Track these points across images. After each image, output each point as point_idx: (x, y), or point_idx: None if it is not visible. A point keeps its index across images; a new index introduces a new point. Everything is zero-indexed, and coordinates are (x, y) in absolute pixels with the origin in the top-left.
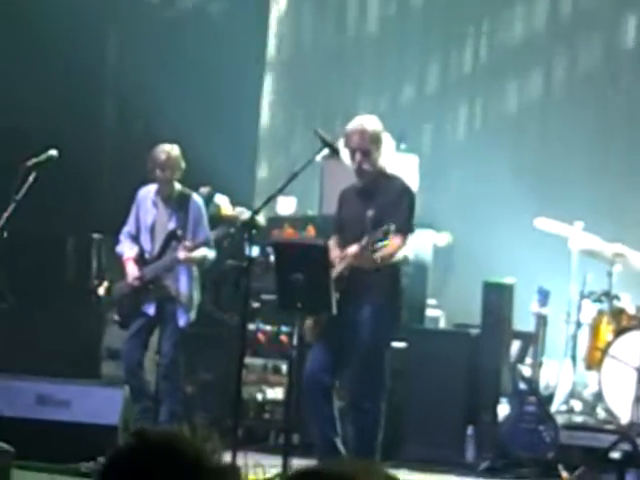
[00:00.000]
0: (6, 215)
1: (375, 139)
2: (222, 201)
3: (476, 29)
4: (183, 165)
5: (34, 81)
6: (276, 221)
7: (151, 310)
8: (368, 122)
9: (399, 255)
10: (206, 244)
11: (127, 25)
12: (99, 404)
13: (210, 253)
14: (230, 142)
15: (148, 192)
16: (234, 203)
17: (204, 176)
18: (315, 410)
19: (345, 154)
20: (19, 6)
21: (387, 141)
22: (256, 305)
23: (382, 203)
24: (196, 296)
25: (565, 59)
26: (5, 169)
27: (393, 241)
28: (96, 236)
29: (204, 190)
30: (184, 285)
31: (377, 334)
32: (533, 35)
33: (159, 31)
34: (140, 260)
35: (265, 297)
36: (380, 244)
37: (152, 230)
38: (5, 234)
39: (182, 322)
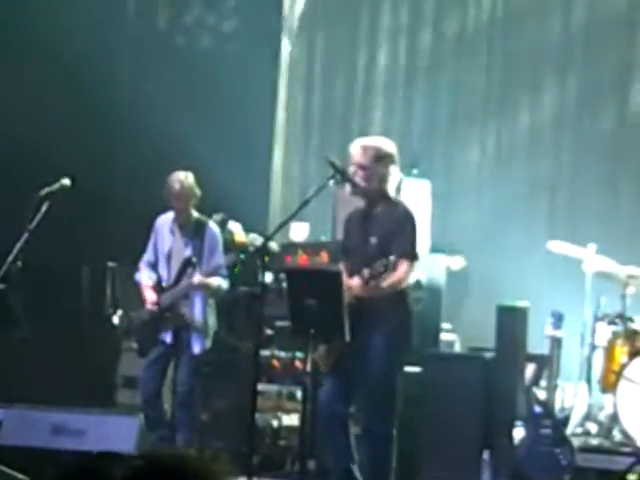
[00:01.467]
0: (20, 245)
1: (378, 157)
2: (235, 228)
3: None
4: (198, 192)
5: (48, 110)
6: (289, 247)
7: (168, 338)
8: (374, 140)
9: (408, 281)
10: (220, 273)
11: (141, 56)
12: (114, 433)
13: (224, 283)
14: (243, 169)
15: (166, 220)
16: (247, 230)
17: (217, 203)
18: (330, 440)
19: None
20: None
21: (394, 170)
22: (269, 332)
23: (385, 230)
24: (212, 323)
25: (578, 77)
26: (19, 199)
27: (400, 268)
28: (111, 264)
29: (217, 217)
30: (199, 312)
31: (388, 361)
32: (546, 52)
33: (175, 62)
34: (158, 288)
35: (279, 324)
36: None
37: (169, 258)
38: (19, 264)
39: (198, 350)
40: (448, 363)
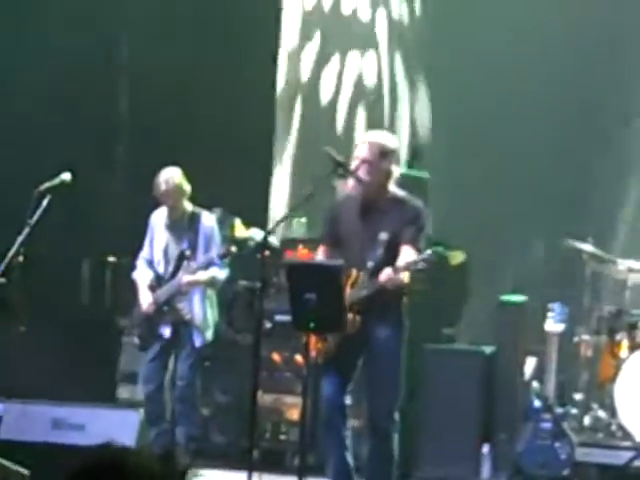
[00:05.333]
0: (21, 239)
1: (383, 153)
2: (235, 223)
3: None
4: (187, 188)
5: (47, 105)
6: (290, 242)
7: (167, 332)
8: (380, 135)
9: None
10: (215, 263)
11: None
12: (114, 427)
13: (221, 273)
14: (244, 164)
15: (161, 215)
16: (247, 224)
17: (218, 198)
18: (333, 433)
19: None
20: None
21: (397, 166)
22: (270, 326)
23: (396, 226)
24: (211, 316)
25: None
26: (19, 194)
27: (408, 255)
28: (111, 259)
29: (217, 212)
30: (198, 306)
31: (396, 353)
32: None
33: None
34: (155, 284)
35: (279, 318)
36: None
37: (165, 253)
38: (21, 258)
39: (198, 343)
40: (448, 358)
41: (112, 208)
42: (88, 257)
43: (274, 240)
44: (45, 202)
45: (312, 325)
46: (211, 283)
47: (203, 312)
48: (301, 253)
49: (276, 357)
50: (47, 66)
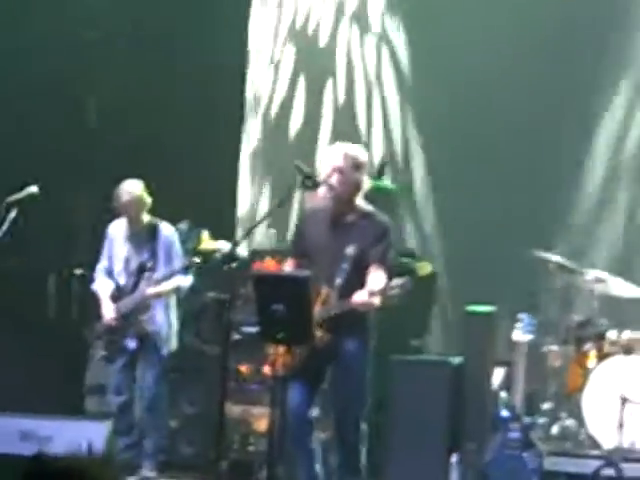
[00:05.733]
0: None
1: (356, 165)
2: (202, 234)
3: None
4: (148, 200)
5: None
6: (257, 254)
7: (132, 344)
8: (353, 147)
9: None
10: (179, 272)
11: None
12: (82, 439)
13: (185, 281)
14: (211, 176)
15: (120, 227)
16: (215, 236)
17: (185, 210)
18: (301, 445)
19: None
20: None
21: (366, 179)
22: (237, 337)
23: (364, 241)
24: (175, 324)
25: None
26: None
27: (379, 275)
28: (77, 272)
29: (184, 224)
30: (161, 316)
31: (363, 365)
32: None
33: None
34: (117, 295)
35: (246, 329)
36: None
37: (126, 264)
38: None
39: (162, 353)
40: (416, 369)
41: (79, 221)
42: (54, 270)
43: (242, 251)
44: (12, 215)
45: (280, 336)
46: (175, 292)
47: (167, 322)
48: (268, 264)
49: (243, 368)
50: None
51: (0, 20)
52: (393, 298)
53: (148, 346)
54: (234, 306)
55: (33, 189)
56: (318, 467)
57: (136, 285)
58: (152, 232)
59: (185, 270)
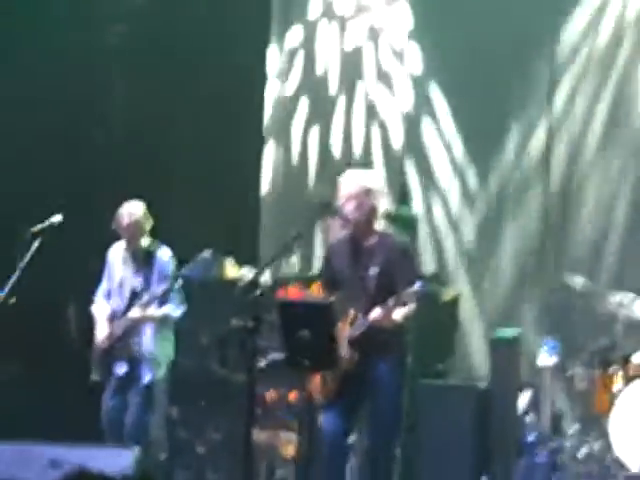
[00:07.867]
0: (13, 281)
1: (368, 190)
2: (226, 262)
3: None
4: (149, 222)
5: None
6: (281, 280)
7: (122, 369)
8: (365, 173)
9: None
10: (170, 301)
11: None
12: (111, 466)
13: (175, 311)
14: (233, 204)
15: (119, 249)
16: (239, 264)
17: (209, 238)
18: (334, 471)
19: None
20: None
21: (383, 201)
22: (263, 364)
23: (386, 260)
24: (166, 353)
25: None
26: (9, 236)
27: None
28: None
29: (207, 252)
30: (149, 342)
31: (395, 389)
32: None
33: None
34: (112, 319)
35: (272, 356)
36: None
37: (120, 287)
38: (14, 300)
39: (147, 380)
40: (443, 393)
41: (99, 251)
42: (74, 299)
43: (266, 279)
44: (36, 244)
45: (307, 362)
46: (165, 320)
47: (155, 348)
48: (292, 291)
49: (270, 394)
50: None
51: (15, 30)
52: (411, 307)
53: (135, 372)
54: (259, 333)
55: (57, 218)
56: None
57: (129, 308)
58: (149, 256)
59: (164, 295)
